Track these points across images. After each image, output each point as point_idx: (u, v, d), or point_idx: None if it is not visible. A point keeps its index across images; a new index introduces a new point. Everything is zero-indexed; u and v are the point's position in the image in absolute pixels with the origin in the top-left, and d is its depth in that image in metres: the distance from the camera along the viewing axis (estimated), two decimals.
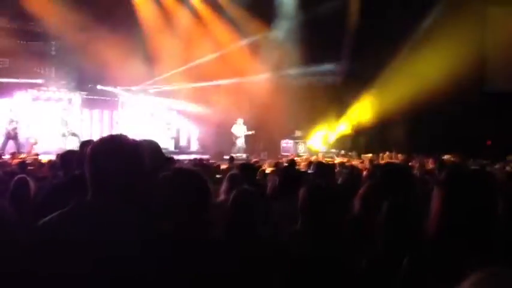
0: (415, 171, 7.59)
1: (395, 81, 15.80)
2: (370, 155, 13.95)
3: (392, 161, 12.20)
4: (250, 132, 16.61)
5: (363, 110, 17.38)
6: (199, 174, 2.24)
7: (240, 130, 16.61)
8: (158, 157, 2.63)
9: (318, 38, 15.89)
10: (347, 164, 9.88)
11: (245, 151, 16.37)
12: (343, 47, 17.47)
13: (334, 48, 17.02)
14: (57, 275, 1.62)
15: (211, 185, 2.25)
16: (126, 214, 1.73)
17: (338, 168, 7.35)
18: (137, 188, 1.81)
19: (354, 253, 2.60)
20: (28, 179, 4.10)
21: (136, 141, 1.93)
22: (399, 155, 13.75)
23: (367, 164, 10.02)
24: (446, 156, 11.46)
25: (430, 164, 9.17)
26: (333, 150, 17.59)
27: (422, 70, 15.19)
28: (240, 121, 16.61)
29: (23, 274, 1.72)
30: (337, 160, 12.36)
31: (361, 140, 17.78)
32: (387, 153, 14.55)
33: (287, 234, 3.02)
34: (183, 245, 1.85)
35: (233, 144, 16.51)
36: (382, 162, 10.93)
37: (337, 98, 17.45)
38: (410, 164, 9.75)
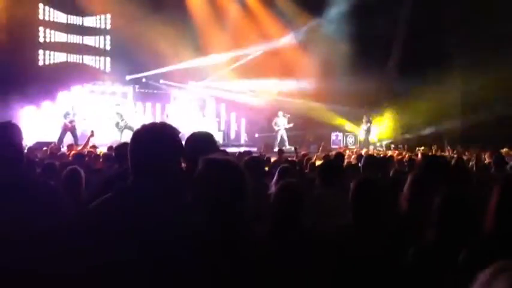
0: (471, 165, 7.34)
1: (451, 73, 15.33)
2: (422, 148, 13.55)
3: (444, 154, 11.83)
4: (290, 125, 16.59)
5: (416, 102, 16.91)
6: (232, 164, 2.11)
7: (281, 123, 16.63)
8: (211, 148, 2.63)
9: (367, 28, 15.55)
10: (398, 157, 9.66)
11: (288, 143, 16.36)
12: (396, 37, 17.09)
13: (386, 38, 16.66)
14: (101, 259, 1.69)
15: (247, 175, 2.10)
16: (163, 204, 1.77)
17: (389, 161, 7.18)
18: (175, 174, 1.85)
19: (403, 248, 2.55)
20: (79, 170, 4.21)
21: (176, 129, 1.96)
22: (452, 148, 13.29)
23: (420, 157, 9.75)
24: (504, 150, 10.97)
25: (487, 158, 8.82)
26: (384, 143, 17.27)
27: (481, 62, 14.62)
28: (280, 113, 16.61)
29: (68, 255, 1.79)
30: (389, 153, 12.09)
31: (413, 132, 17.32)
32: (435, 146, 14.07)
33: (334, 227, 2.99)
34: (217, 239, 1.84)
35: (275, 137, 16.56)
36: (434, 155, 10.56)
37: (390, 90, 17.06)
38: (465, 157, 9.42)
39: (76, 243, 1.80)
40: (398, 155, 10.64)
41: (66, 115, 13.54)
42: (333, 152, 12.28)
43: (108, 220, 1.75)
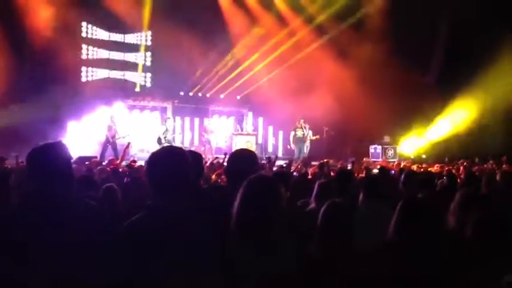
0: None
1: (494, 83, 14.88)
2: (464, 162, 13.11)
3: (487, 167, 11.47)
4: (314, 137, 15.61)
5: (458, 114, 16.50)
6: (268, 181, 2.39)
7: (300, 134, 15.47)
8: (254, 168, 2.85)
9: (407, 34, 15.26)
10: (438, 171, 9.45)
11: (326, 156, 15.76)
12: (437, 45, 16.77)
13: (426, 45, 16.39)
14: (132, 274, 1.91)
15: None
16: (192, 215, 2.04)
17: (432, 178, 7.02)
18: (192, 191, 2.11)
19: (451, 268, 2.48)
20: (115, 188, 4.62)
21: (185, 151, 2.28)
22: (494, 161, 12.82)
23: (462, 171, 9.49)
24: None
25: None
26: (424, 157, 16.88)
27: None
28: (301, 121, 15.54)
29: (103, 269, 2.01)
30: (430, 168, 11.79)
31: (454, 146, 16.84)
32: (477, 158, 13.63)
33: (379, 245, 2.94)
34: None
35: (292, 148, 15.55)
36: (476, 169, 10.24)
37: (430, 101, 16.65)
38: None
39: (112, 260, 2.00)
40: (439, 168, 10.38)
41: (108, 129, 13.76)
42: (371, 165, 12.14)
43: (141, 239, 1.95)
